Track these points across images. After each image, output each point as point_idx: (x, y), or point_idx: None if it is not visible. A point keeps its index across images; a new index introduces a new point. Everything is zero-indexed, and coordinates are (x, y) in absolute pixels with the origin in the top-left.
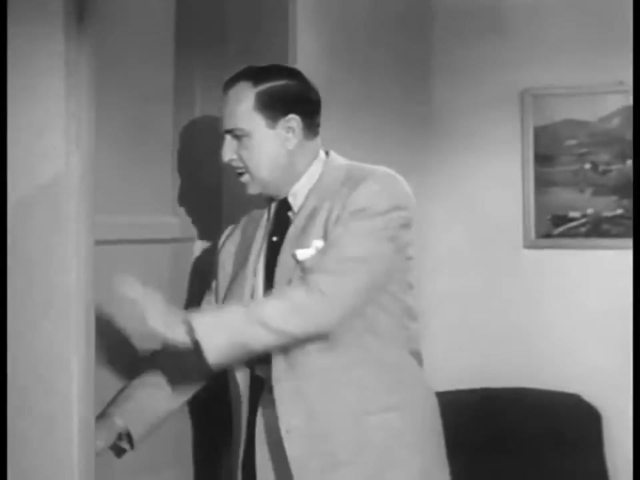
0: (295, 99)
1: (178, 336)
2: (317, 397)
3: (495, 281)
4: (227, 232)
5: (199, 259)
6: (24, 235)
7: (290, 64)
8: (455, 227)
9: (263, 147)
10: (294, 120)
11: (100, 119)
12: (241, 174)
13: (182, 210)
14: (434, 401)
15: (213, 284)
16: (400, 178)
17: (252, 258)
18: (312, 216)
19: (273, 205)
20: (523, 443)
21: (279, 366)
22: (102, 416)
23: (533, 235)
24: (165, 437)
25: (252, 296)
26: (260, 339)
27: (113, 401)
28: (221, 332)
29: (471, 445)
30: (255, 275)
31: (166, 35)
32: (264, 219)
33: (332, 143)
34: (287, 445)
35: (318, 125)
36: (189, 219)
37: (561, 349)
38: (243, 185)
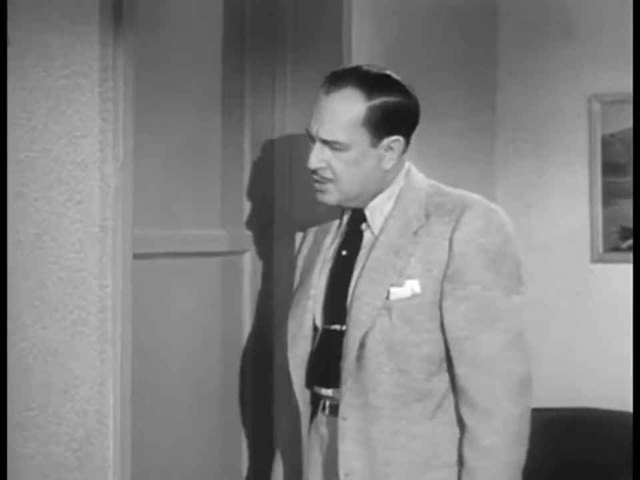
0: (402, 119)
1: None
2: (382, 443)
3: (561, 295)
4: (305, 234)
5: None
6: (57, 248)
7: None
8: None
9: (361, 164)
10: (398, 142)
11: (141, 130)
12: (320, 182)
13: (231, 223)
14: None
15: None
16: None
17: (316, 268)
18: (397, 249)
19: (345, 214)
20: (600, 470)
21: (348, 403)
22: None
23: (601, 248)
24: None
25: (313, 311)
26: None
27: None
28: None
29: (544, 470)
30: (315, 287)
31: (213, 37)
32: (334, 225)
33: None
34: None
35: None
36: (238, 232)
37: (629, 364)
38: (309, 192)
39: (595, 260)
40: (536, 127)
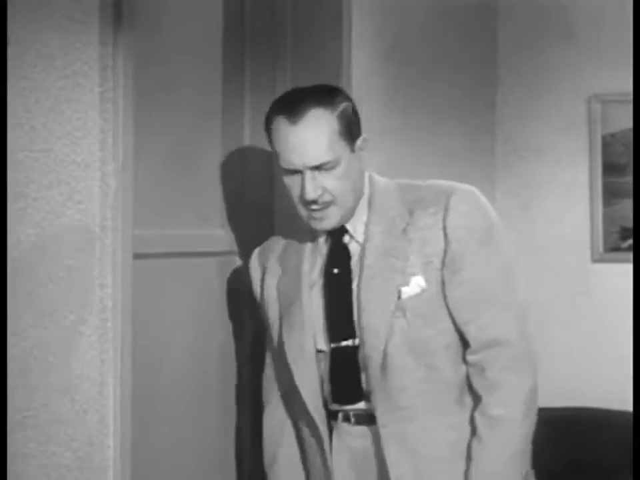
0: (358, 117)
1: None
2: (421, 441)
3: (561, 295)
4: (256, 261)
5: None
6: (57, 248)
7: (344, 73)
8: (519, 239)
9: (350, 173)
10: (365, 140)
11: (141, 130)
12: (322, 209)
13: (229, 223)
14: None
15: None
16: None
17: (302, 294)
18: (389, 251)
19: (321, 234)
20: (600, 470)
21: (382, 410)
22: None
23: (601, 248)
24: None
25: (312, 335)
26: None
27: None
28: None
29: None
30: (306, 312)
31: (213, 37)
32: (306, 248)
33: (390, 152)
34: None
35: None
36: (236, 232)
37: (629, 364)
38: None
39: (595, 260)
40: (536, 126)
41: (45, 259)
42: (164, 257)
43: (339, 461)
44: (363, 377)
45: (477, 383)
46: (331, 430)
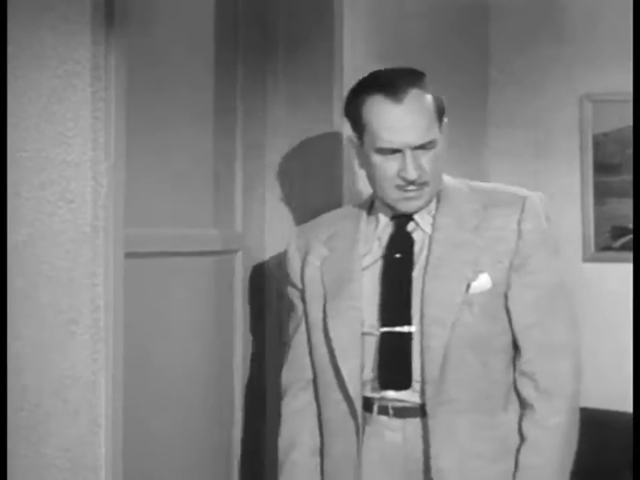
0: (442, 100)
1: None
2: (469, 436)
3: None
4: (294, 244)
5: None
6: (48, 247)
7: (337, 73)
8: None
9: (441, 154)
10: (445, 122)
11: (133, 129)
12: (417, 189)
13: (223, 222)
14: None
15: (299, 307)
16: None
17: (354, 276)
18: (460, 244)
19: (382, 219)
20: (600, 471)
21: (434, 401)
22: None
23: (592, 247)
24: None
25: (361, 319)
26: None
27: None
28: None
29: None
30: (358, 296)
31: (205, 37)
32: (361, 232)
33: None
34: None
35: None
36: (230, 231)
37: (621, 365)
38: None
39: (587, 259)
40: (528, 126)
41: (37, 259)
42: (156, 257)
43: (370, 453)
44: (415, 364)
45: (529, 394)
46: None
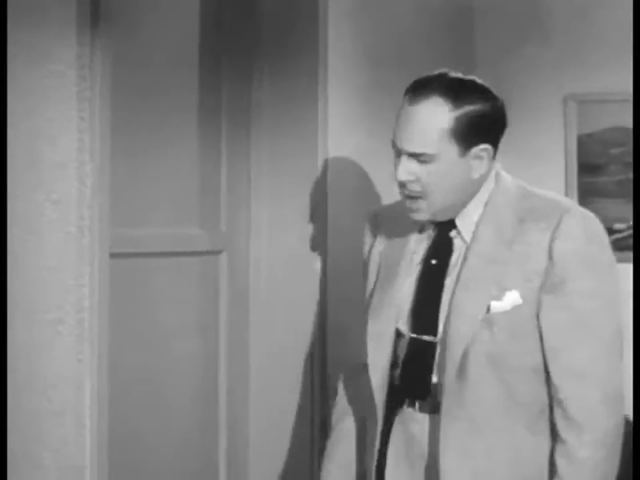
0: (490, 127)
1: None
2: (485, 456)
3: None
4: (368, 225)
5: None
6: (34, 247)
7: (321, 69)
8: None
9: (449, 175)
10: (486, 150)
11: (118, 130)
12: (412, 197)
13: (208, 222)
14: None
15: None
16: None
17: (401, 271)
18: (493, 259)
19: (430, 223)
20: None
21: (449, 415)
22: None
23: None
24: None
25: (397, 317)
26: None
27: None
28: None
29: None
30: (399, 292)
31: (190, 37)
32: (415, 232)
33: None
34: None
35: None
36: (215, 231)
37: None
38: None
39: None
40: (513, 126)
41: (23, 259)
42: (141, 257)
43: (397, 446)
44: (435, 376)
45: (558, 422)
46: (393, 414)
